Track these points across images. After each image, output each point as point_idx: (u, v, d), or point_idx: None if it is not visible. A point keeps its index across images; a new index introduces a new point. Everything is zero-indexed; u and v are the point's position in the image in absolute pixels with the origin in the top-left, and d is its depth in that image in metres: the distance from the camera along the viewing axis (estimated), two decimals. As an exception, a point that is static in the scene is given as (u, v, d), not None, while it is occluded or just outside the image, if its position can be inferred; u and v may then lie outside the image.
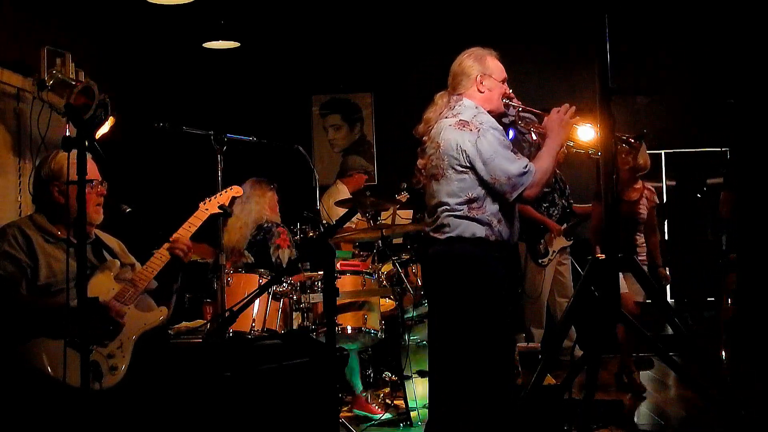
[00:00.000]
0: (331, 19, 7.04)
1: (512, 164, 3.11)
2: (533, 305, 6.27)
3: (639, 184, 5.41)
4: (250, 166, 4.95)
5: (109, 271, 3.08)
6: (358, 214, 5.45)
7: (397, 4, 6.93)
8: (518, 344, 5.90)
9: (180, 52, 6.76)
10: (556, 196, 6.28)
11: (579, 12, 5.52)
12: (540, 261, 6.18)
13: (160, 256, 3.12)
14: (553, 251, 6.19)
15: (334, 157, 7.77)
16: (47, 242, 3.02)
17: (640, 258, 5.29)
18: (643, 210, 5.37)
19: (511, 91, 3.34)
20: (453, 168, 3.14)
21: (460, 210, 3.13)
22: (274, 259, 4.71)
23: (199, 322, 4.43)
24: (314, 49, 7.37)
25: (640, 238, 5.40)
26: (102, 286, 2.99)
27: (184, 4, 5.14)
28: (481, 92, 3.27)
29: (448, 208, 3.15)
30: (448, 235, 3.15)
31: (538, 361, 5.38)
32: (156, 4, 5.07)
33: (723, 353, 5.76)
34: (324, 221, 5.13)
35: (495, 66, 3.31)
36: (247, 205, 4.83)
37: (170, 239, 3.19)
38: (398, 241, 5.86)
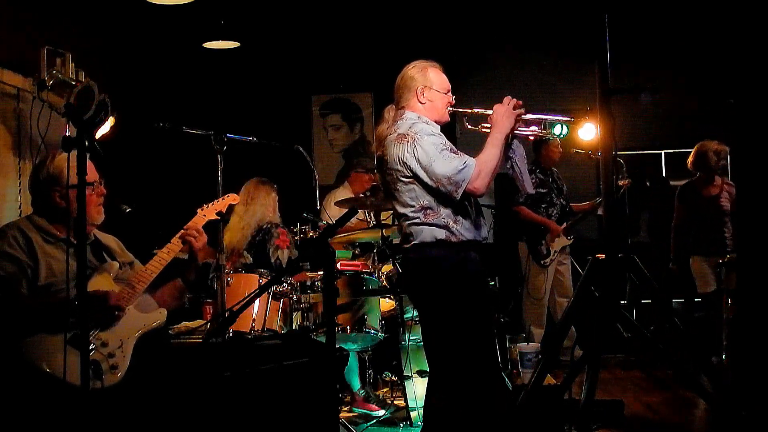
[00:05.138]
0: (331, 19, 7.03)
1: (450, 163, 3.15)
2: (533, 305, 6.27)
3: (718, 181, 5.97)
4: (250, 166, 4.95)
5: (108, 272, 3.08)
6: (358, 214, 5.44)
7: (397, 4, 6.92)
8: (518, 344, 5.91)
9: (180, 52, 6.76)
10: (554, 195, 6.28)
11: (579, 12, 5.52)
12: (542, 262, 6.20)
13: (160, 258, 3.12)
14: (555, 251, 6.21)
15: (334, 157, 7.77)
16: (47, 242, 3.02)
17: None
18: (726, 202, 5.87)
19: (454, 99, 3.38)
20: (400, 180, 3.23)
21: (417, 218, 3.22)
22: (273, 260, 4.70)
23: (199, 322, 4.43)
24: (314, 49, 7.37)
25: (728, 231, 5.84)
26: (101, 287, 2.98)
27: (184, 4, 5.13)
28: (422, 103, 3.32)
29: (407, 218, 3.25)
30: (414, 242, 3.24)
31: (538, 361, 5.39)
32: (156, 4, 5.06)
33: (723, 353, 5.75)
34: (324, 221, 5.13)
35: (437, 77, 3.36)
36: (252, 207, 4.81)
37: (181, 232, 3.22)
38: (398, 241, 5.82)
